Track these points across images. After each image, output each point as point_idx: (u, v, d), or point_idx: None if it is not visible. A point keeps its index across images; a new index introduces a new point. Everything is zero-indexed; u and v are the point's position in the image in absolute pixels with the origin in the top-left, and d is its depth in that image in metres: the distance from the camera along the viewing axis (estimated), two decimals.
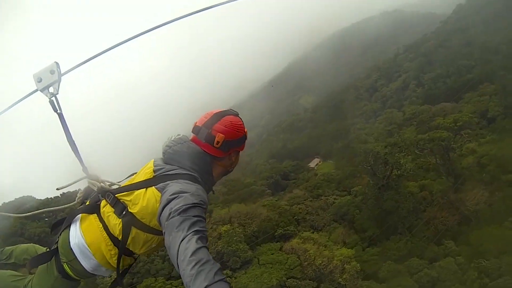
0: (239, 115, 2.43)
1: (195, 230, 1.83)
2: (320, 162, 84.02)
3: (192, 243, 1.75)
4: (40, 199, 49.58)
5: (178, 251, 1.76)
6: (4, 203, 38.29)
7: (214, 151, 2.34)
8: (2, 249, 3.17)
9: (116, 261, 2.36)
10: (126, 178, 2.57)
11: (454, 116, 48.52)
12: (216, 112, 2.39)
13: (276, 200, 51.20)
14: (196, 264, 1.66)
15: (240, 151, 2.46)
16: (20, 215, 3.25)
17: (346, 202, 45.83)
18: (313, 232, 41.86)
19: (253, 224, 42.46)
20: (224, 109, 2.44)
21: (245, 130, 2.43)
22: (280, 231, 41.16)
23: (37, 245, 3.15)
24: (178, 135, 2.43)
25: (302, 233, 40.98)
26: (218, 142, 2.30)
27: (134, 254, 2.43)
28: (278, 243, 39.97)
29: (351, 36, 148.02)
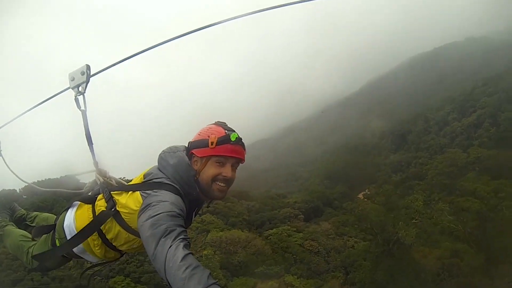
0: (225, 126, 2.40)
1: (181, 238, 1.86)
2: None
3: (179, 250, 1.78)
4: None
5: (166, 258, 1.78)
6: (49, 179, 41.03)
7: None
8: (29, 212, 3.55)
9: (98, 250, 2.51)
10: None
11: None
12: None
13: (294, 231, 47.81)
14: (187, 268, 1.69)
15: (200, 156, 2.35)
16: (43, 189, 3.56)
17: (363, 249, 40.62)
18: (299, 278, 37.78)
19: (241, 254, 40.32)
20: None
21: (210, 135, 2.32)
22: (261, 269, 37.81)
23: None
24: (177, 145, 2.50)
25: (286, 276, 37.17)
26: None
27: (118, 248, 2.52)
28: (254, 280, 36.29)
29: (431, 61, 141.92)
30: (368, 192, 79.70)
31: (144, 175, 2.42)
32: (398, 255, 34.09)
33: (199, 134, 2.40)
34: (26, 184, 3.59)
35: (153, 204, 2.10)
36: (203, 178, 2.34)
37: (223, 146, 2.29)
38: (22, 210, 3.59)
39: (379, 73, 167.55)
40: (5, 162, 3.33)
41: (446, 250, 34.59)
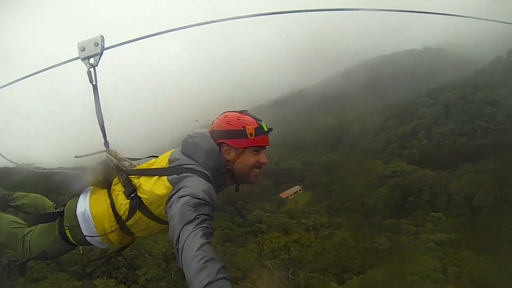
0: (250, 114, 2.32)
1: (203, 227, 1.83)
2: (300, 191, 79.43)
3: (197, 238, 1.75)
4: None
5: (184, 244, 1.77)
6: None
7: None
8: (10, 192, 3.18)
9: (115, 237, 2.41)
10: (145, 158, 2.60)
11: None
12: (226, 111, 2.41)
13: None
14: (201, 259, 1.66)
15: (239, 147, 2.27)
16: (40, 170, 3.34)
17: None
18: None
19: None
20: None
21: (245, 126, 2.24)
22: None
23: (45, 198, 3.12)
24: (204, 129, 2.38)
25: None
26: (209, 131, 2.34)
27: (134, 234, 2.44)
28: None
29: (387, 65, 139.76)
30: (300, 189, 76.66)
31: (169, 160, 2.30)
32: None
33: (228, 123, 2.29)
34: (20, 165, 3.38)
35: (184, 189, 2.05)
36: (240, 168, 2.32)
37: (260, 136, 2.27)
38: (2, 190, 3.18)
39: (335, 72, 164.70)
40: None
41: None
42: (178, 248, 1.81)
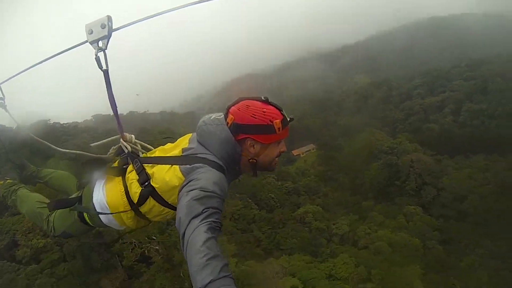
0: (273, 104, 2.20)
1: (210, 221, 1.83)
2: (314, 149, 78.01)
3: (202, 233, 1.75)
4: None
5: (190, 238, 1.77)
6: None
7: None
8: (39, 169, 3.40)
9: (131, 222, 2.48)
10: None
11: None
12: (242, 97, 2.29)
13: None
14: (204, 255, 1.66)
15: (266, 143, 2.21)
16: (61, 149, 3.20)
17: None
18: None
19: None
20: (255, 96, 2.26)
21: (272, 120, 2.14)
22: None
23: (72, 176, 3.22)
24: (220, 115, 2.29)
25: None
26: (228, 122, 2.21)
27: (149, 219, 2.49)
28: None
29: (439, 27, 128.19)
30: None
31: (183, 149, 2.30)
32: None
33: (253, 117, 2.16)
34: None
35: (194, 181, 2.04)
36: (265, 160, 2.27)
37: (285, 129, 2.21)
38: (32, 166, 3.47)
39: (378, 29, 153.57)
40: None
41: None
42: (183, 242, 1.81)
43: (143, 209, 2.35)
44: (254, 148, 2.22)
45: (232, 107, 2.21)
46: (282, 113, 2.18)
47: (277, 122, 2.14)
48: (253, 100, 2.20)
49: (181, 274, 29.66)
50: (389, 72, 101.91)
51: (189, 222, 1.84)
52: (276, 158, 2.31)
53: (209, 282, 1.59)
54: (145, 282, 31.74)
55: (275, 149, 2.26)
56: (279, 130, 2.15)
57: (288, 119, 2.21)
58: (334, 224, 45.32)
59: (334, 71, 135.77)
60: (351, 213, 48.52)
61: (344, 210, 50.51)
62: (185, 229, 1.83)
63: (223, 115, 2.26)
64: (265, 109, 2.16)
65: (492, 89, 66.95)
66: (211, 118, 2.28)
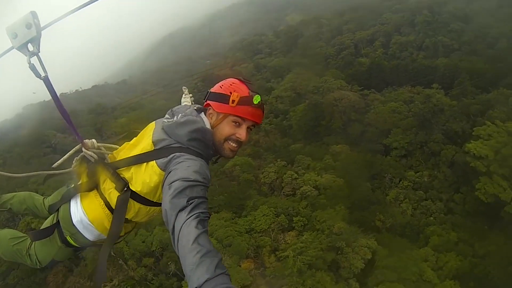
0: (249, 84, 2.21)
1: (197, 213, 1.76)
2: None
3: (192, 229, 1.68)
4: None
5: (179, 234, 1.70)
6: None
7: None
8: None
9: None
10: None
11: None
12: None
13: None
14: (198, 252, 1.60)
15: (219, 111, 2.19)
16: (16, 175, 2.83)
17: None
18: None
19: None
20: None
21: (232, 92, 2.14)
22: None
23: (34, 194, 3.06)
24: (183, 107, 2.30)
25: None
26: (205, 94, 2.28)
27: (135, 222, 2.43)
28: None
29: None
30: None
31: (154, 142, 2.17)
32: None
33: (220, 87, 2.22)
34: None
35: (174, 172, 1.96)
36: (216, 135, 2.22)
37: (244, 107, 2.15)
38: None
39: None
40: None
41: None
42: (174, 238, 1.73)
43: (129, 214, 2.23)
44: (211, 118, 2.20)
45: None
46: (250, 93, 2.15)
47: (234, 95, 2.11)
48: (236, 78, 2.21)
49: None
50: (321, 9, 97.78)
51: (176, 216, 1.75)
52: (232, 143, 2.20)
53: (205, 281, 1.50)
54: (85, 267, 31.89)
55: (227, 127, 2.17)
56: (232, 103, 2.11)
57: (256, 102, 2.13)
58: (262, 173, 42.61)
59: (266, 13, 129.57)
60: (279, 158, 44.97)
61: (273, 156, 46.86)
62: (173, 224, 1.74)
63: (187, 108, 2.24)
64: (234, 83, 2.18)
65: (420, 21, 66.00)
66: (176, 108, 2.27)
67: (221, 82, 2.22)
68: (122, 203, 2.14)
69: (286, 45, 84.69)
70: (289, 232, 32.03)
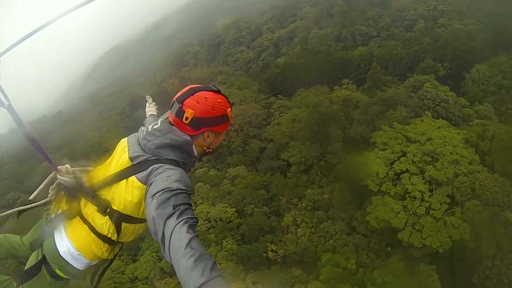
0: (220, 91, 2.20)
1: (185, 218, 1.75)
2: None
3: (183, 234, 1.67)
4: None
5: (170, 241, 1.68)
6: None
7: (183, 127, 2.15)
8: None
9: (106, 253, 2.31)
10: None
11: None
12: (193, 87, 2.19)
13: None
14: (191, 256, 1.58)
15: (220, 132, 2.25)
16: None
17: None
18: None
19: None
20: (205, 85, 2.22)
21: (226, 109, 2.19)
22: None
23: (9, 235, 2.89)
24: (156, 124, 2.20)
25: None
26: (187, 118, 2.12)
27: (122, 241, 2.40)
28: None
29: None
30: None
31: (131, 158, 2.13)
32: None
33: (213, 110, 2.15)
34: None
35: (155, 183, 1.95)
36: (215, 146, 2.30)
37: (231, 115, 2.26)
38: None
39: None
40: None
41: None
42: (164, 246, 1.71)
43: (114, 236, 2.19)
44: (209, 138, 2.19)
45: (188, 100, 2.10)
46: (230, 102, 2.22)
47: (229, 111, 2.18)
48: (206, 91, 2.14)
49: None
50: (247, 10, 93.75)
51: (165, 223, 1.73)
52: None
53: (202, 284, 1.49)
54: None
55: (222, 135, 2.27)
56: (230, 118, 2.20)
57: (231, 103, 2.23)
58: None
59: (199, 19, 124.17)
60: None
61: None
62: (163, 231, 1.72)
63: (159, 123, 2.15)
64: (219, 100, 2.15)
65: (337, 12, 62.88)
66: (150, 131, 2.14)
67: (204, 103, 2.08)
68: (117, 224, 2.11)
69: (210, 53, 79.91)
70: (168, 279, 26.48)
